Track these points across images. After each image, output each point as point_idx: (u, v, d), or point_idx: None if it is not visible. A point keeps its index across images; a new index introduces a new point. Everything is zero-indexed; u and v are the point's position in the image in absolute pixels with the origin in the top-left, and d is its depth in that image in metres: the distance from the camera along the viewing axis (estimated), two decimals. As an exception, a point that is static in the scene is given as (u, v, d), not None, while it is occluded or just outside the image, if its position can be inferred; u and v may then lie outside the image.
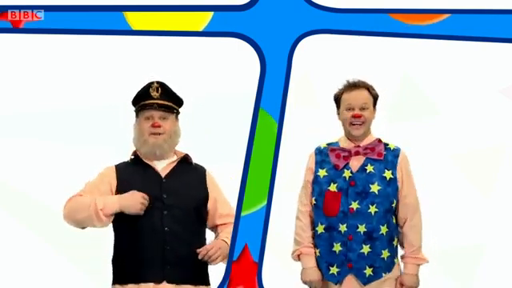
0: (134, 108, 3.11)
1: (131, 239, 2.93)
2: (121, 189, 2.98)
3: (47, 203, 4.17)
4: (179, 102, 3.13)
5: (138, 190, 2.94)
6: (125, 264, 2.97)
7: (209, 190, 3.13)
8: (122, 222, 2.96)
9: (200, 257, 2.95)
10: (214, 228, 3.19)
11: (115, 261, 3.03)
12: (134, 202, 2.89)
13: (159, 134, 3.00)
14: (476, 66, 4.16)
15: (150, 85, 3.05)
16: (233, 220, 3.15)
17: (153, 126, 2.99)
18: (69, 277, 4.14)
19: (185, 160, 3.12)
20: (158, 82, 3.06)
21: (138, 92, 3.07)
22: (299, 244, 3.15)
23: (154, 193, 2.95)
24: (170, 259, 2.93)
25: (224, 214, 3.16)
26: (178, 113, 3.12)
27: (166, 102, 3.04)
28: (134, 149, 3.10)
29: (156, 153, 3.01)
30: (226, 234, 3.11)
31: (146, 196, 2.90)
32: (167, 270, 2.92)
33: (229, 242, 3.07)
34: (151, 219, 2.92)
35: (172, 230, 2.93)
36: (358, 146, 3.09)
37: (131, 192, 2.92)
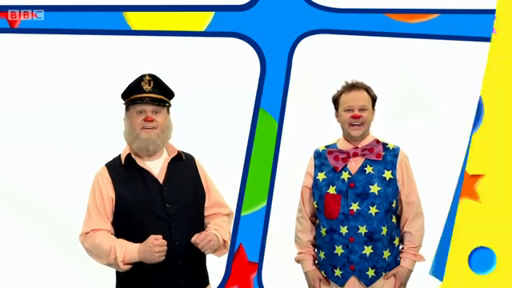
0: (123, 101, 2.96)
1: None
2: (120, 202, 2.85)
3: (47, 203, 4.17)
4: (171, 94, 3.00)
5: (140, 205, 2.83)
6: (133, 280, 2.86)
7: (202, 182, 3.02)
8: (126, 235, 2.83)
9: (196, 242, 2.84)
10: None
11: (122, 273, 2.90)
12: (151, 254, 2.75)
13: (152, 128, 2.88)
14: (476, 66, 4.15)
15: (141, 78, 2.92)
16: (222, 209, 3.05)
17: (146, 120, 2.87)
18: (70, 277, 4.14)
19: (176, 156, 3.00)
20: (149, 75, 2.92)
21: (129, 85, 2.93)
22: (297, 249, 3.23)
23: (156, 206, 2.84)
24: (183, 272, 2.85)
25: (212, 202, 3.03)
26: (169, 106, 3.00)
27: (159, 96, 2.91)
28: (126, 150, 2.95)
29: (149, 148, 2.89)
30: (216, 225, 2.96)
31: (161, 241, 2.76)
32: (180, 285, 2.86)
33: (219, 236, 2.90)
34: (159, 233, 2.80)
35: (182, 243, 2.83)
36: (356, 148, 3.07)
37: (148, 241, 2.77)
